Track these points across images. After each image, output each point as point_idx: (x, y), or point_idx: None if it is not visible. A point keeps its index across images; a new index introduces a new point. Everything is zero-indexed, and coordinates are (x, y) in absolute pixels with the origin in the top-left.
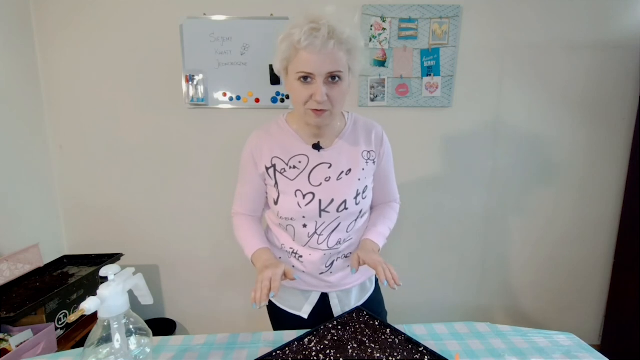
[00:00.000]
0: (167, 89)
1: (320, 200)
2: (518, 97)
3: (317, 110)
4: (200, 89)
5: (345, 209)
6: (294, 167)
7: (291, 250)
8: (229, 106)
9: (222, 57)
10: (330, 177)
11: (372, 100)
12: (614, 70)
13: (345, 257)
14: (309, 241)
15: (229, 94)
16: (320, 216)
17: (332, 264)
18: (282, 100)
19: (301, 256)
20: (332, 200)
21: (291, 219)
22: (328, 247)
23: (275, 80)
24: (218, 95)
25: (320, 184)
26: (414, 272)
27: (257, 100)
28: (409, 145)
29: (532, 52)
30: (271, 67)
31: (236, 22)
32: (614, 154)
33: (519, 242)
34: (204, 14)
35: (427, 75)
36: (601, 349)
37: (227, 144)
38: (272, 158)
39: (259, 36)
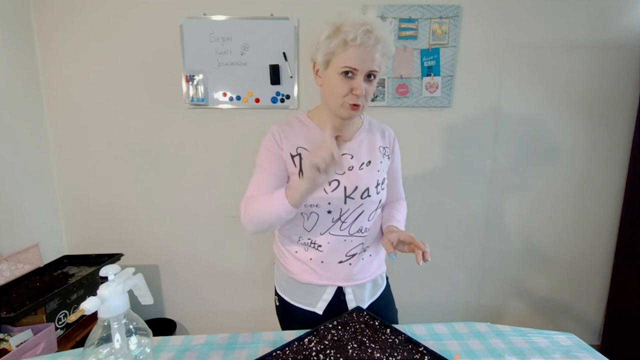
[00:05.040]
0: (167, 89)
1: (345, 187)
2: (518, 97)
3: (354, 104)
4: (200, 89)
5: (368, 196)
6: None
7: (309, 241)
8: (229, 106)
9: (222, 57)
10: (353, 167)
11: (372, 100)
12: (614, 70)
13: (364, 250)
14: (331, 226)
15: (229, 94)
16: (345, 202)
17: (352, 255)
18: (282, 100)
19: (320, 245)
20: (356, 188)
21: (316, 206)
22: (349, 233)
23: (275, 80)
24: (218, 95)
25: (344, 172)
26: (414, 271)
27: (257, 100)
28: (409, 146)
29: (532, 52)
30: (271, 67)
31: (236, 22)
32: (614, 154)
33: (519, 242)
34: (204, 14)
35: (427, 75)
36: (601, 349)
37: (227, 144)
38: (297, 147)
39: (259, 36)
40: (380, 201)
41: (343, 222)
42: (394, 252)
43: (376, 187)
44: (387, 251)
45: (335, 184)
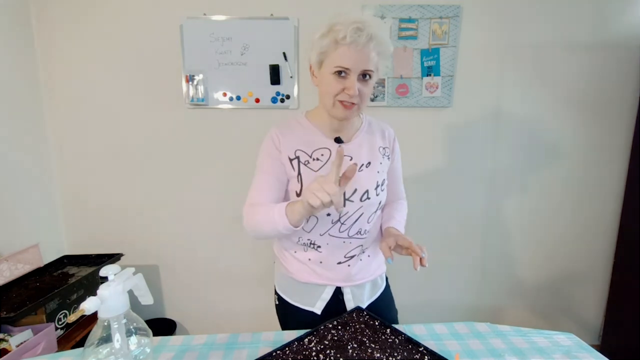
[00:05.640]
0: (167, 89)
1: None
2: (518, 97)
3: (346, 103)
4: (200, 89)
5: (368, 198)
6: (317, 159)
7: (308, 242)
8: (229, 106)
9: (222, 57)
10: None
11: (372, 100)
12: (614, 70)
13: (362, 252)
14: (330, 228)
15: (229, 94)
16: (344, 205)
17: (351, 256)
18: (282, 100)
19: (319, 246)
20: (355, 190)
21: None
22: (348, 235)
23: (275, 80)
24: (218, 95)
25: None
26: (414, 272)
27: (257, 100)
28: (409, 146)
29: (532, 52)
30: (271, 67)
31: (236, 22)
32: (614, 153)
33: (519, 242)
34: (204, 14)
35: (427, 75)
36: (601, 349)
37: (227, 144)
38: (296, 150)
39: (259, 36)
40: (380, 203)
41: (342, 223)
42: (391, 256)
43: (375, 188)
44: (385, 255)
45: None
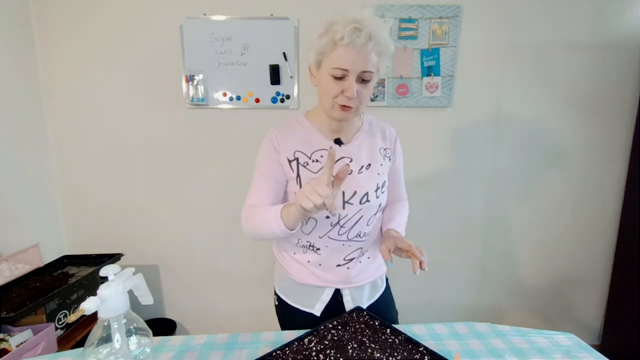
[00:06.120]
0: (167, 89)
1: (343, 192)
2: (518, 97)
3: (344, 105)
4: (200, 89)
5: (367, 201)
6: (317, 160)
7: (308, 244)
8: (229, 106)
9: (222, 57)
10: (351, 171)
11: (372, 100)
12: (614, 70)
13: (362, 254)
14: (330, 230)
15: (229, 94)
16: (343, 208)
17: (350, 259)
18: (282, 100)
19: (318, 248)
20: (355, 193)
21: None
22: (348, 238)
23: (275, 80)
24: (218, 95)
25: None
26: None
27: (257, 100)
28: (409, 146)
29: (532, 52)
30: (271, 67)
31: (236, 22)
32: (614, 153)
33: (519, 242)
34: (204, 14)
35: (427, 75)
36: (601, 349)
37: (227, 144)
38: (295, 152)
39: (259, 36)
40: (379, 205)
41: (342, 226)
42: (390, 259)
43: (375, 191)
44: (384, 258)
45: None
